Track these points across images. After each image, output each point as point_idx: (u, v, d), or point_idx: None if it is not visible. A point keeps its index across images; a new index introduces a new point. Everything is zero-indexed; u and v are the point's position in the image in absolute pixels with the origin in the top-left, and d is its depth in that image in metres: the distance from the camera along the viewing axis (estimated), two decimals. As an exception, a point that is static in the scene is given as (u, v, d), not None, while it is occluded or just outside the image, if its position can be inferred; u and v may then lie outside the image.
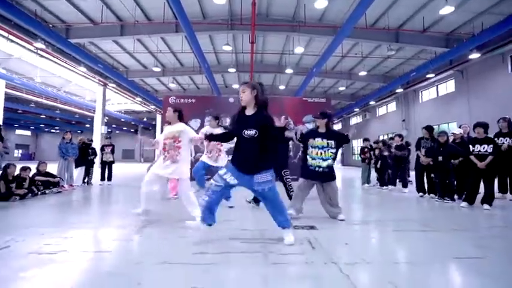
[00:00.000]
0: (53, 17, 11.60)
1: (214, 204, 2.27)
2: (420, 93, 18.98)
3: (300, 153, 8.61)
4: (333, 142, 3.13)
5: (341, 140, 3.21)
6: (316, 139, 3.15)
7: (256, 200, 3.86)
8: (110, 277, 1.67)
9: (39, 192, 4.85)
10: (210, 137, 2.52)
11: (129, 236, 2.53)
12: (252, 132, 2.17)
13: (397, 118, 21.08)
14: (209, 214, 2.28)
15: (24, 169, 4.73)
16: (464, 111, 14.69)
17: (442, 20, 11.39)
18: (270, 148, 2.21)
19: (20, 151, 37.85)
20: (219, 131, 3.93)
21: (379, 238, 2.62)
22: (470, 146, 4.28)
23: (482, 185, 4.15)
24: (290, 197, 3.80)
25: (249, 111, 2.27)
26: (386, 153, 6.30)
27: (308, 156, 3.18)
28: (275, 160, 2.58)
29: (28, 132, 39.63)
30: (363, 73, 16.92)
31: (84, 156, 6.62)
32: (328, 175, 3.14)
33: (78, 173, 6.45)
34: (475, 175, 4.17)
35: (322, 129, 3.22)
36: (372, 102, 22.61)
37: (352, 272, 1.72)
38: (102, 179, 7.02)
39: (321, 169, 3.09)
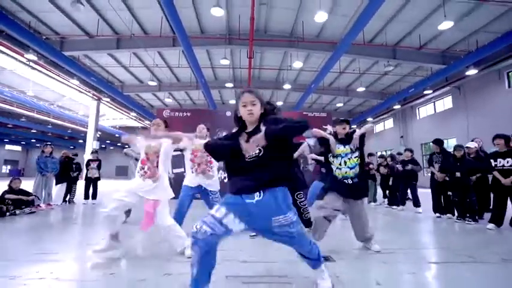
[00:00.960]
0: (47, 29, 11.38)
1: (212, 258, 1.47)
2: (417, 110, 18.97)
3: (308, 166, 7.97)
4: (353, 146, 2.68)
5: (361, 137, 2.72)
6: (337, 146, 2.69)
7: None
8: None
9: (7, 213, 4.25)
10: (207, 146, 1.68)
11: (97, 276, 1.98)
12: (255, 152, 1.50)
13: (395, 135, 20.95)
14: (202, 275, 1.44)
15: (-8, 186, 4.17)
16: (463, 127, 14.56)
17: (438, 36, 11.48)
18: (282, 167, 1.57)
19: (9, 167, 36.60)
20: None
21: (415, 274, 2.09)
22: (492, 161, 3.89)
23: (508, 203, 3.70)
24: (304, 222, 3.29)
25: (251, 127, 1.66)
26: (400, 169, 5.82)
27: (333, 167, 2.70)
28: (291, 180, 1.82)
29: (18, 148, 38.58)
30: (361, 89, 16.90)
31: (66, 172, 6.03)
32: (359, 189, 2.61)
33: (57, 190, 5.83)
34: (501, 192, 3.73)
35: (341, 136, 2.77)
36: (370, 119, 22.55)
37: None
38: (86, 197, 6.41)
39: (349, 181, 2.59)
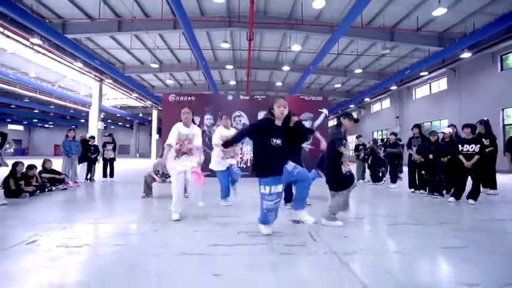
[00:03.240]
0: (49, 12, 11.50)
1: (276, 212, 2.56)
2: (414, 91, 19.37)
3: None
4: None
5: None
6: (348, 144, 3.13)
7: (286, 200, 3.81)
8: (133, 269, 1.86)
9: (46, 189, 4.99)
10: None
11: (144, 230, 2.73)
12: (279, 141, 2.49)
13: (391, 115, 21.50)
14: (275, 216, 2.56)
15: (31, 167, 4.87)
16: (455, 109, 15.12)
17: (435, 19, 11.65)
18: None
19: (13, 146, 37.25)
20: (233, 131, 3.97)
21: (374, 231, 2.88)
22: (460, 146, 4.57)
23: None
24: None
25: (278, 122, 2.57)
26: (380, 153, 6.56)
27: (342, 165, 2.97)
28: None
29: (21, 127, 39.06)
30: (358, 70, 17.17)
31: (84, 153, 6.72)
32: (353, 178, 3.07)
33: (80, 169, 6.58)
34: (463, 173, 4.46)
35: (350, 133, 3.23)
36: (367, 99, 22.97)
37: (351, 261, 1.96)
38: (105, 175, 7.17)
39: (348, 174, 3.01)
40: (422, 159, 5.28)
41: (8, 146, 4.28)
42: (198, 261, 1.96)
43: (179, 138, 3.21)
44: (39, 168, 5.27)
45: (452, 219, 3.44)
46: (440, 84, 16.97)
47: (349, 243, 2.42)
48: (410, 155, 5.61)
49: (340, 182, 2.96)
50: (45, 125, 38.47)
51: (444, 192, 5.04)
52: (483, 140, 5.00)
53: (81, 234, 2.53)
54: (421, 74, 15.94)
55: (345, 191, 2.99)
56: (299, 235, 2.57)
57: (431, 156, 5.00)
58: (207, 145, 7.18)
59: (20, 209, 3.73)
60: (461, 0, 10.25)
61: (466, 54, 12.45)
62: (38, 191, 4.75)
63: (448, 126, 5.76)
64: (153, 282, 1.64)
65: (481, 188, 5.14)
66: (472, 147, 4.44)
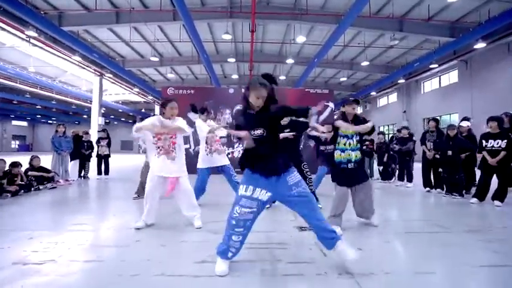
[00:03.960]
0: (44, 3, 11.11)
1: (248, 231, 1.81)
2: (422, 84, 18.69)
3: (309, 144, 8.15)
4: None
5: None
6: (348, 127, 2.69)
7: None
8: (103, 293, 1.50)
9: (32, 189, 4.66)
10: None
11: (125, 241, 2.36)
12: (259, 131, 1.77)
13: (398, 109, 20.86)
14: (240, 246, 1.80)
15: (16, 165, 4.53)
16: (467, 103, 14.47)
17: (448, 7, 11.01)
18: (283, 144, 1.98)
19: (17, 142, 37.46)
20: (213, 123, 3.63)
21: (392, 242, 2.44)
22: (483, 141, 4.11)
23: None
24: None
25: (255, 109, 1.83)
26: (396, 148, 6.07)
27: (337, 150, 2.70)
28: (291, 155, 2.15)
29: (25, 123, 39.11)
30: (365, 63, 16.56)
31: (76, 149, 6.37)
32: (360, 174, 2.73)
33: (71, 166, 6.23)
34: (487, 171, 4.01)
35: (350, 117, 2.76)
36: (373, 93, 22.32)
37: (371, 286, 1.56)
38: (99, 173, 6.83)
39: (352, 164, 2.66)
40: (437, 156, 4.82)
41: None
42: (179, 285, 1.58)
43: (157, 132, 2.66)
44: (27, 165, 4.94)
45: (481, 225, 3.01)
46: (451, 77, 16.28)
47: (365, 259, 2.00)
48: (424, 152, 5.14)
49: (334, 171, 2.72)
50: (49, 121, 38.45)
51: (464, 192, 4.59)
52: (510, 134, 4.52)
53: (49, 245, 2.16)
54: (431, 66, 15.28)
55: (342, 187, 2.66)
56: (306, 248, 2.17)
57: (450, 152, 4.53)
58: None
59: (-3, 212, 3.39)
60: (477, -14, 9.61)
61: (480, 45, 11.78)
62: (22, 191, 4.41)
63: (463, 120, 5.25)
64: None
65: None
66: (497, 143, 3.98)
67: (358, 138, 2.72)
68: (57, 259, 1.91)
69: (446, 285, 1.62)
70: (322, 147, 4.53)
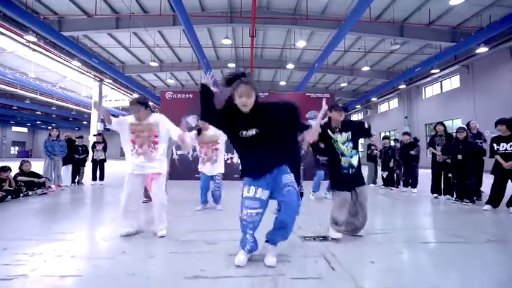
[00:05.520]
0: (44, 7, 11.09)
1: (256, 229, 1.90)
2: (423, 90, 18.59)
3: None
4: (349, 134, 2.54)
5: (358, 130, 2.61)
6: (336, 135, 2.55)
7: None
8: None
9: (21, 194, 4.43)
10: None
11: (110, 252, 2.13)
12: (252, 132, 1.75)
13: (399, 115, 20.71)
14: (255, 242, 1.92)
15: (4, 169, 4.32)
16: (469, 108, 14.30)
17: (449, 12, 10.96)
18: (281, 144, 1.86)
19: (17, 148, 37.31)
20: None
21: (406, 253, 2.20)
22: (495, 145, 3.90)
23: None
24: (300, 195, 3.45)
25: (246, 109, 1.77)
26: (413, 152, 5.83)
27: (338, 155, 2.53)
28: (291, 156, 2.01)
29: (25, 129, 39.03)
30: (366, 68, 16.49)
31: (69, 154, 6.14)
32: (359, 177, 2.55)
33: (63, 172, 5.99)
34: (501, 175, 3.79)
35: (334, 125, 2.61)
36: (374, 99, 22.23)
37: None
38: (94, 178, 6.60)
39: (354, 170, 2.50)
40: (448, 160, 4.61)
41: None
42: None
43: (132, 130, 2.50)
44: (16, 170, 4.73)
45: (500, 234, 2.77)
46: (453, 82, 16.17)
47: (378, 273, 1.78)
48: (433, 156, 4.93)
49: (334, 179, 2.55)
50: (49, 127, 38.33)
51: (475, 198, 4.35)
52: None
53: (24, 257, 1.93)
54: (432, 71, 15.20)
55: (341, 192, 2.45)
56: (312, 260, 1.94)
57: (460, 156, 4.31)
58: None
59: (-22, 219, 3.16)
60: (478, -10, 9.57)
61: (482, 49, 11.68)
62: (9, 197, 4.19)
63: (467, 124, 5.09)
64: None
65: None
66: (510, 146, 3.77)
67: (352, 144, 2.54)
68: (30, 273, 1.68)
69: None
70: (318, 157, 4.45)
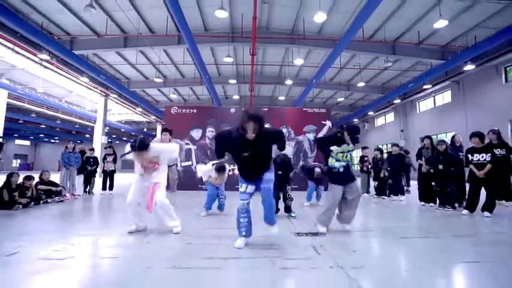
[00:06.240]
0: (58, 29, 11.86)
1: (250, 219, 2.52)
2: (417, 104, 19.26)
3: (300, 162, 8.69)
4: (352, 146, 3.12)
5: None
6: (343, 146, 3.09)
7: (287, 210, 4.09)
8: (120, 282, 1.69)
9: (41, 201, 4.85)
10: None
11: (137, 243, 2.55)
12: (246, 154, 2.34)
13: (396, 128, 21.29)
14: (250, 227, 2.51)
15: (28, 178, 4.76)
16: (461, 122, 14.89)
17: (436, 33, 11.73)
18: (269, 156, 2.50)
19: (19, 161, 37.67)
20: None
21: (384, 245, 2.64)
22: (469, 155, 4.36)
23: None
24: (286, 206, 4.04)
25: (250, 135, 2.27)
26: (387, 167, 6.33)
27: (332, 159, 3.09)
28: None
29: (27, 142, 39.56)
30: (361, 84, 17.20)
31: (82, 165, 6.60)
32: (352, 175, 3.11)
33: (76, 181, 6.43)
34: (475, 183, 4.23)
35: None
36: (371, 113, 22.89)
37: (359, 276, 1.75)
38: (104, 188, 7.02)
39: (342, 169, 3.06)
40: (431, 170, 5.06)
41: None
42: (188, 275, 1.77)
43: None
44: (37, 179, 5.16)
45: (470, 232, 3.19)
46: (445, 97, 16.85)
47: (357, 257, 2.20)
48: (420, 167, 5.39)
49: (330, 176, 3.12)
50: (51, 140, 38.91)
51: (456, 205, 4.77)
52: (498, 149, 4.80)
53: (67, 246, 2.35)
54: (424, 87, 15.89)
55: (338, 186, 3.00)
56: (302, 248, 2.37)
57: (440, 166, 4.78)
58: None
59: (10, 221, 3.58)
60: (461, 14, 10.33)
61: (469, 67, 12.39)
62: (33, 203, 4.61)
63: (453, 137, 5.61)
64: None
65: (500, 201, 4.89)
66: (482, 156, 4.23)
67: (349, 155, 3.11)
68: (76, 255, 2.11)
69: (430, 278, 1.81)
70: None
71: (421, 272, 1.92)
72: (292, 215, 3.99)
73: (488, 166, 4.11)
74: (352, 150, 3.14)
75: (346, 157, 3.09)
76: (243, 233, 2.46)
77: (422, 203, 5.34)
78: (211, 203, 4.17)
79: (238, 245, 2.39)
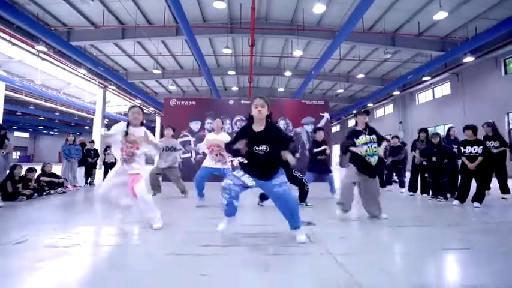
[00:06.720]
0: (54, 20, 11.75)
1: (235, 199, 2.31)
2: (417, 96, 19.26)
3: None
4: (374, 136, 3.24)
5: (379, 138, 3.29)
6: (360, 137, 3.22)
7: (262, 198, 4.00)
8: (124, 267, 1.81)
9: (44, 193, 4.97)
10: (234, 152, 2.43)
11: (136, 232, 2.67)
12: (263, 148, 2.24)
13: (395, 120, 21.36)
14: (232, 207, 2.32)
15: (31, 170, 4.86)
16: (460, 114, 14.94)
17: (436, 24, 11.65)
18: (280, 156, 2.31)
19: (18, 153, 37.76)
20: (223, 136, 4.12)
21: (373, 232, 2.77)
22: (462, 148, 4.46)
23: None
24: (305, 192, 3.89)
25: (258, 127, 2.30)
26: (389, 161, 6.46)
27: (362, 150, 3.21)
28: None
29: (26, 134, 39.59)
30: (360, 76, 17.16)
31: (82, 157, 6.70)
32: (374, 169, 3.21)
33: (77, 173, 6.54)
34: (466, 175, 4.34)
35: (361, 127, 3.32)
36: (370, 105, 22.88)
37: (348, 261, 1.87)
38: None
39: (370, 159, 3.17)
40: (424, 163, 5.17)
41: (4, 149, 4.25)
42: (186, 260, 1.89)
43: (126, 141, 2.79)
44: (39, 171, 5.26)
45: (458, 221, 3.32)
46: (444, 89, 16.85)
47: (347, 244, 2.33)
48: (413, 158, 5.51)
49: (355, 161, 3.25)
50: (50, 132, 38.94)
51: (448, 195, 4.91)
52: (492, 142, 4.90)
53: (72, 235, 2.47)
54: (424, 79, 15.87)
55: (350, 165, 3.23)
56: (295, 236, 2.48)
57: (434, 158, 4.88)
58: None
59: (15, 211, 3.69)
60: (462, 5, 10.25)
61: (469, 59, 12.37)
62: (36, 194, 4.72)
63: (449, 130, 5.72)
64: (137, 282, 1.58)
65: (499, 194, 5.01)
66: (474, 149, 4.33)
67: (376, 145, 3.24)
68: (81, 243, 2.23)
69: (415, 262, 1.93)
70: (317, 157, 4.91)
71: (410, 256, 2.04)
72: (309, 204, 3.99)
73: (480, 159, 4.22)
74: (374, 142, 3.21)
75: (374, 149, 3.19)
76: (226, 211, 2.33)
77: (411, 193, 5.51)
78: (199, 189, 4.09)
79: (221, 226, 2.34)
